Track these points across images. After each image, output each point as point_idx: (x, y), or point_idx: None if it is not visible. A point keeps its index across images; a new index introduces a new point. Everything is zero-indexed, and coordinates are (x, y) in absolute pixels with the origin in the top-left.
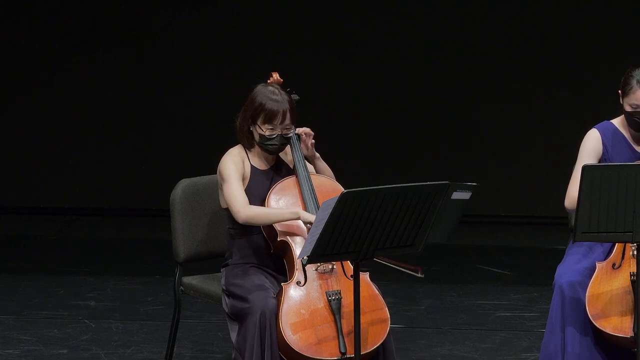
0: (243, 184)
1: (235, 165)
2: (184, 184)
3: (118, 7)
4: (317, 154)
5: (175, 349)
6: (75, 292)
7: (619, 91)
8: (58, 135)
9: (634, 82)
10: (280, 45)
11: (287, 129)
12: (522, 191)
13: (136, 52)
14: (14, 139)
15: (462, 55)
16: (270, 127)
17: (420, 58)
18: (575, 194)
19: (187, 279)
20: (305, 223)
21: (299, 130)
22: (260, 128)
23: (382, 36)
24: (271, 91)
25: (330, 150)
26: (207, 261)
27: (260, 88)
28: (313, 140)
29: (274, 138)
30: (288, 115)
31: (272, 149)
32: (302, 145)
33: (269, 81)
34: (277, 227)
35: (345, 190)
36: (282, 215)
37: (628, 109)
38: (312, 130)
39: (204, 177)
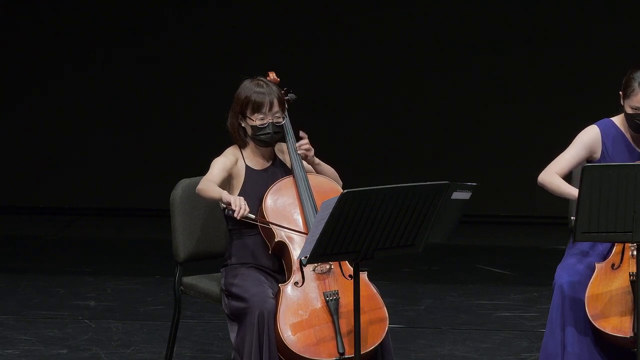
0: (237, 184)
1: (225, 159)
2: (184, 184)
3: (118, 7)
4: (316, 160)
5: (175, 349)
6: (75, 292)
7: (620, 92)
8: (58, 135)
9: (636, 84)
10: (280, 45)
11: (277, 116)
12: (522, 191)
13: (136, 52)
14: (14, 139)
15: (462, 55)
16: (261, 117)
17: (420, 58)
18: (552, 179)
19: (187, 279)
20: (224, 204)
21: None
22: (251, 119)
23: (381, 36)
24: (256, 83)
25: (330, 150)
26: (207, 261)
27: (245, 83)
28: (312, 152)
29: (266, 127)
30: (275, 102)
31: (266, 139)
32: (301, 153)
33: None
34: (274, 227)
35: (346, 190)
36: (214, 193)
37: (629, 110)
38: (311, 129)
39: None
